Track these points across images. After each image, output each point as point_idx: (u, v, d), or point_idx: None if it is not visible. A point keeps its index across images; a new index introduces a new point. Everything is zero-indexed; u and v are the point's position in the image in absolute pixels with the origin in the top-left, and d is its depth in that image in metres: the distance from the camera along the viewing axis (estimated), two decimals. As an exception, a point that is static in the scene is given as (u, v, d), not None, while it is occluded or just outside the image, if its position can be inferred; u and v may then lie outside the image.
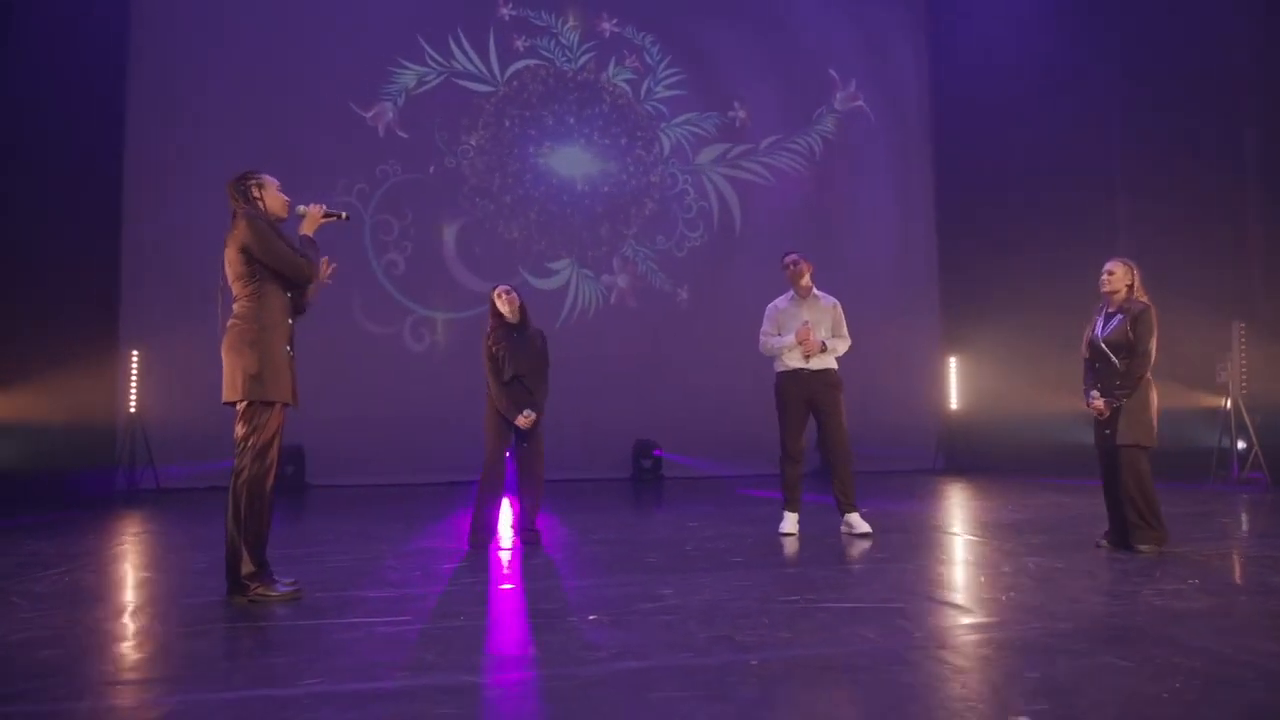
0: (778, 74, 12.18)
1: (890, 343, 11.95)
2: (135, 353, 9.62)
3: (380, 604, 3.96)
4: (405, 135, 10.67)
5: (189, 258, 9.40)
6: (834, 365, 6.03)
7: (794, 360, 5.93)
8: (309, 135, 10.23)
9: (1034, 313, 10.22)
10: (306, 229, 4.28)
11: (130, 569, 5.12)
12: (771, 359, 6.09)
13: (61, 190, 8.98)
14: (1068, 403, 11.11)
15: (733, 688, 2.73)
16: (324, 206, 4.35)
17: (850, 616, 3.63)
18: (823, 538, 5.79)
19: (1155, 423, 5.13)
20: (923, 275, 12.34)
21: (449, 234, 10.86)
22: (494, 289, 5.70)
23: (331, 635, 3.41)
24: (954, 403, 11.93)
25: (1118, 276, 5.24)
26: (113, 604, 4.03)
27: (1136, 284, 5.23)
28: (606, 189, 11.48)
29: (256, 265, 4.05)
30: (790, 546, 5.51)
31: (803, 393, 5.92)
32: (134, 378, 9.59)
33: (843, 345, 6.06)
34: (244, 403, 4.03)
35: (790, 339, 5.90)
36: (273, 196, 4.23)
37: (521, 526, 5.65)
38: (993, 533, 6.11)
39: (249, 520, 3.98)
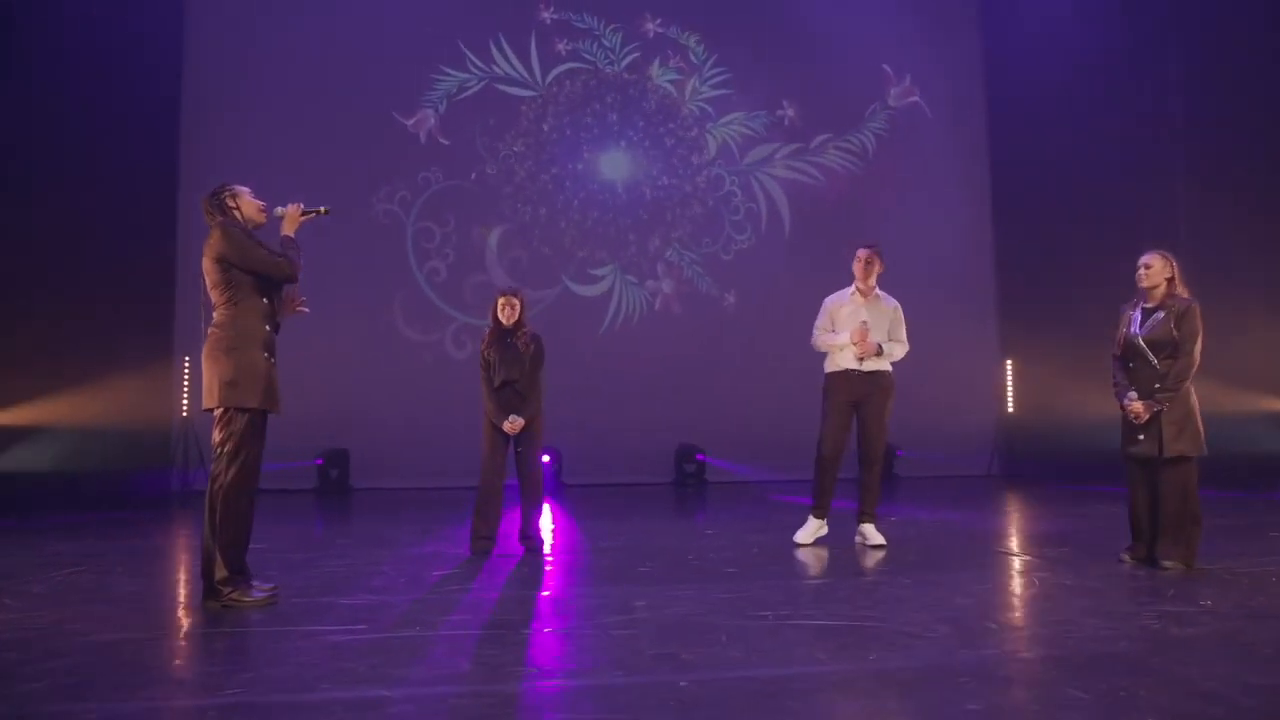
0: (828, 70, 11.88)
1: (945, 345, 11.55)
2: (187, 358, 9.91)
3: (347, 612, 3.95)
4: (446, 142, 10.74)
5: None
6: (888, 368, 5.76)
7: (846, 360, 5.68)
8: (352, 144, 10.37)
9: (1094, 314, 9.71)
10: (287, 229, 4.30)
11: (132, 571, 5.19)
12: (822, 358, 5.81)
13: (118, 200, 9.28)
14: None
15: (647, 711, 2.62)
16: (301, 205, 4.36)
17: (814, 635, 3.46)
18: (835, 548, 5.59)
19: (1203, 428, 4.79)
20: (979, 276, 11.89)
21: (491, 240, 10.89)
22: (499, 293, 5.69)
23: (280, 644, 3.40)
24: (1010, 406, 11.48)
25: (1156, 270, 4.90)
26: (95, 607, 4.11)
27: (1176, 277, 4.89)
28: (650, 192, 11.37)
29: (232, 274, 4.09)
30: (798, 557, 5.33)
31: (851, 395, 5.67)
32: (185, 383, 9.88)
33: (900, 350, 5.79)
34: (220, 409, 4.07)
35: (844, 337, 5.65)
36: (248, 204, 4.26)
37: (522, 533, 5.60)
38: (1018, 544, 5.82)
39: (223, 526, 4.01)
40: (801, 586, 4.48)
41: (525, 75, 11.02)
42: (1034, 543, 5.86)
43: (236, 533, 4.05)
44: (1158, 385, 4.76)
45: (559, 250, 11.05)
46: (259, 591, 4.12)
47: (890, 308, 5.81)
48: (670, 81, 11.50)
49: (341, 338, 10.04)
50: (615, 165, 11.29)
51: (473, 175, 10.79)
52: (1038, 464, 10.87)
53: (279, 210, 4.33)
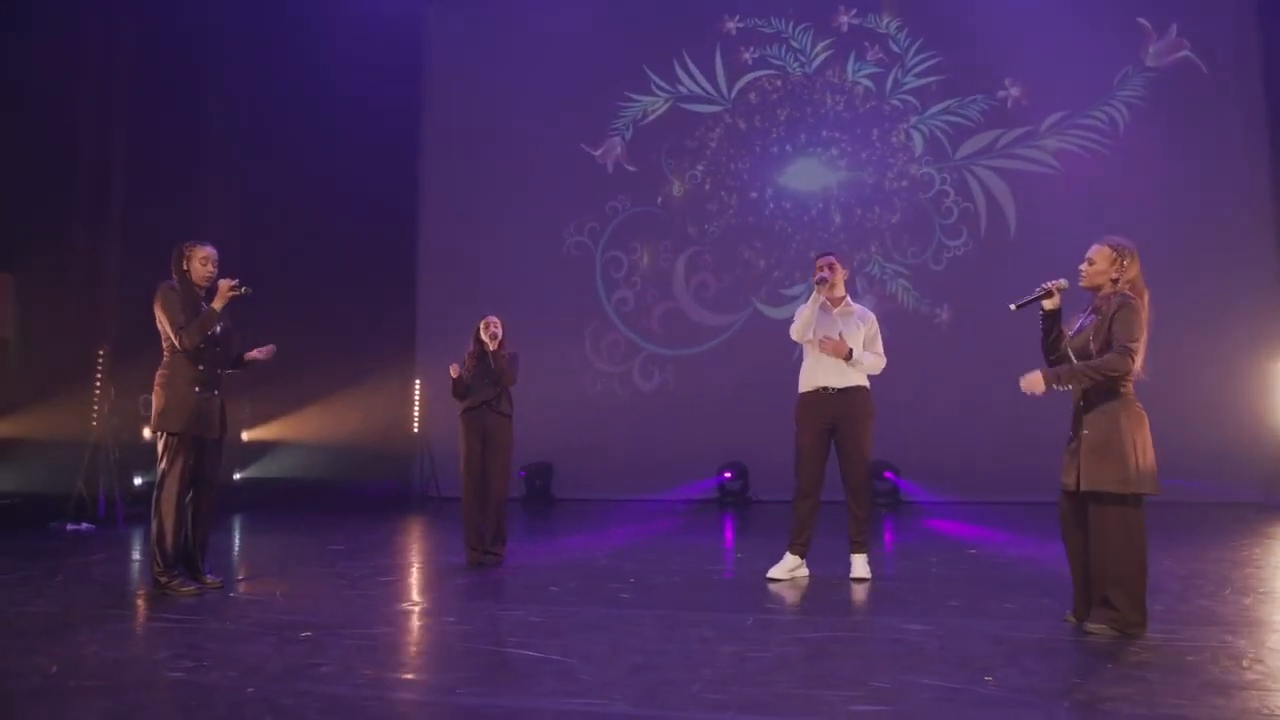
0: (1063, 34, 10.36)
1: (1213, 348, 9.65)
2: (418, 381, 11.35)
3: (239, 605, 4.51)
4: (633, 168, 11.08)
5: (468, 295, 10.90)
6: (864, 383, 5.29)
7: (819, 377, 5.29)
8: (545, 180, 11.06)
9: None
10: (216, 301, 4.92)
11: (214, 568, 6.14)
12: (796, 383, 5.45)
13: (368, 251, 10.99)
14: None
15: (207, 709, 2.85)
16: (230, 283, 4.97)
17: (518, 667, 3.37)
18: (813, 581, 5.13)
19: (1144, 460, 3.73)
20: (1256, 266, 9.64)
21: (679, 265, 10.97)
22: (482, 319, 5.98)
23: (116, 624, 4.06)
24: (1292, 423, 9.19)
25: (1097, 267, 3.97)
26: (77, 587, 5.14)
27: (1126, 276, 3.90)
28: (848, 201, 10.78)
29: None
30: (739, 592, 4.98)
31: (825, 416, 5.24)
32: (417, 404, 11.33)
33: (873, 359, 5.29)
34: (157, 433, 4.88)
35: (812, 305, 5.25)
36: (197, 266, 4.97)
37: (481, 548, 5.78)
38: (1014, 590, 4.78)
39: (159, 530, 4.81)
40: (635, 618, 4.19)
41: (711, 90, 11.07)
42: (1037, 592, 4.80)
43: (167, 537, 4.80)
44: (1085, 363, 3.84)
45: (749, 270, 10.89)
46: (190, 583, 4.88)
47: (863, 318, 5.34)
48: (868, 76, 10.86)
49: (545, 362, 10.64)
50: (808, 174, 10.90)
51: (659, 199, 11.05)
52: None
53: (219, 281, 4.98)
